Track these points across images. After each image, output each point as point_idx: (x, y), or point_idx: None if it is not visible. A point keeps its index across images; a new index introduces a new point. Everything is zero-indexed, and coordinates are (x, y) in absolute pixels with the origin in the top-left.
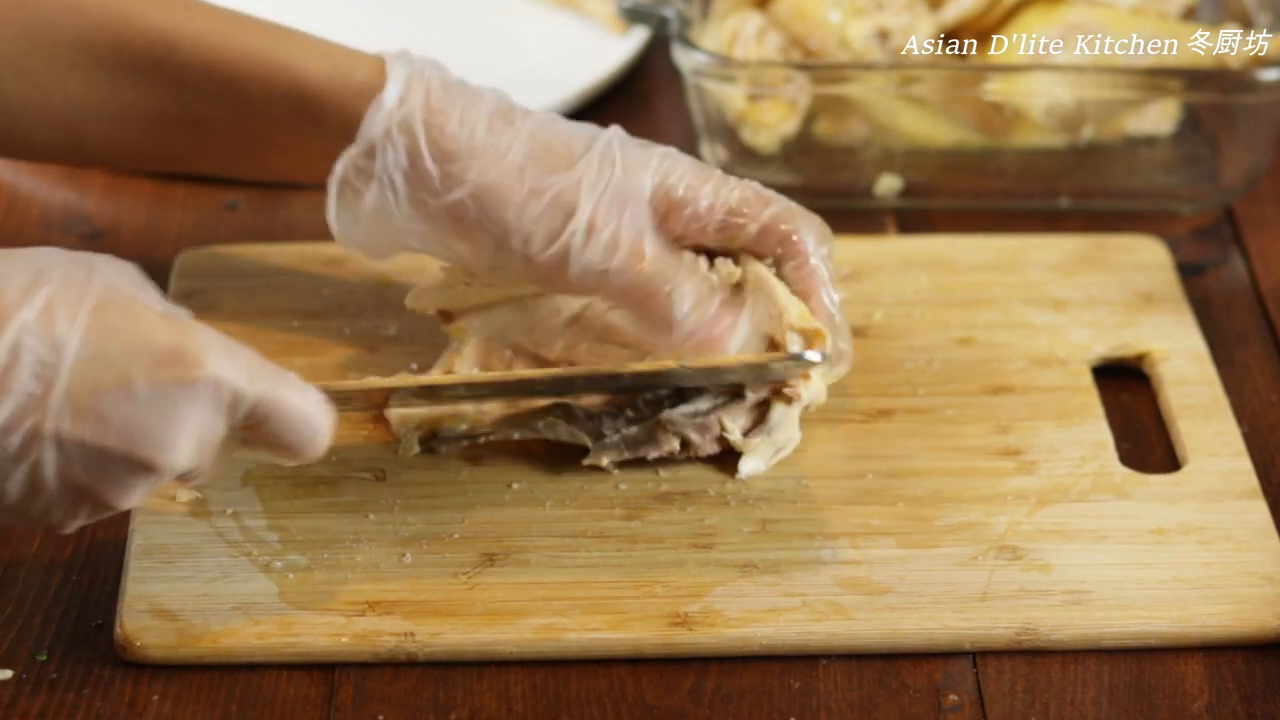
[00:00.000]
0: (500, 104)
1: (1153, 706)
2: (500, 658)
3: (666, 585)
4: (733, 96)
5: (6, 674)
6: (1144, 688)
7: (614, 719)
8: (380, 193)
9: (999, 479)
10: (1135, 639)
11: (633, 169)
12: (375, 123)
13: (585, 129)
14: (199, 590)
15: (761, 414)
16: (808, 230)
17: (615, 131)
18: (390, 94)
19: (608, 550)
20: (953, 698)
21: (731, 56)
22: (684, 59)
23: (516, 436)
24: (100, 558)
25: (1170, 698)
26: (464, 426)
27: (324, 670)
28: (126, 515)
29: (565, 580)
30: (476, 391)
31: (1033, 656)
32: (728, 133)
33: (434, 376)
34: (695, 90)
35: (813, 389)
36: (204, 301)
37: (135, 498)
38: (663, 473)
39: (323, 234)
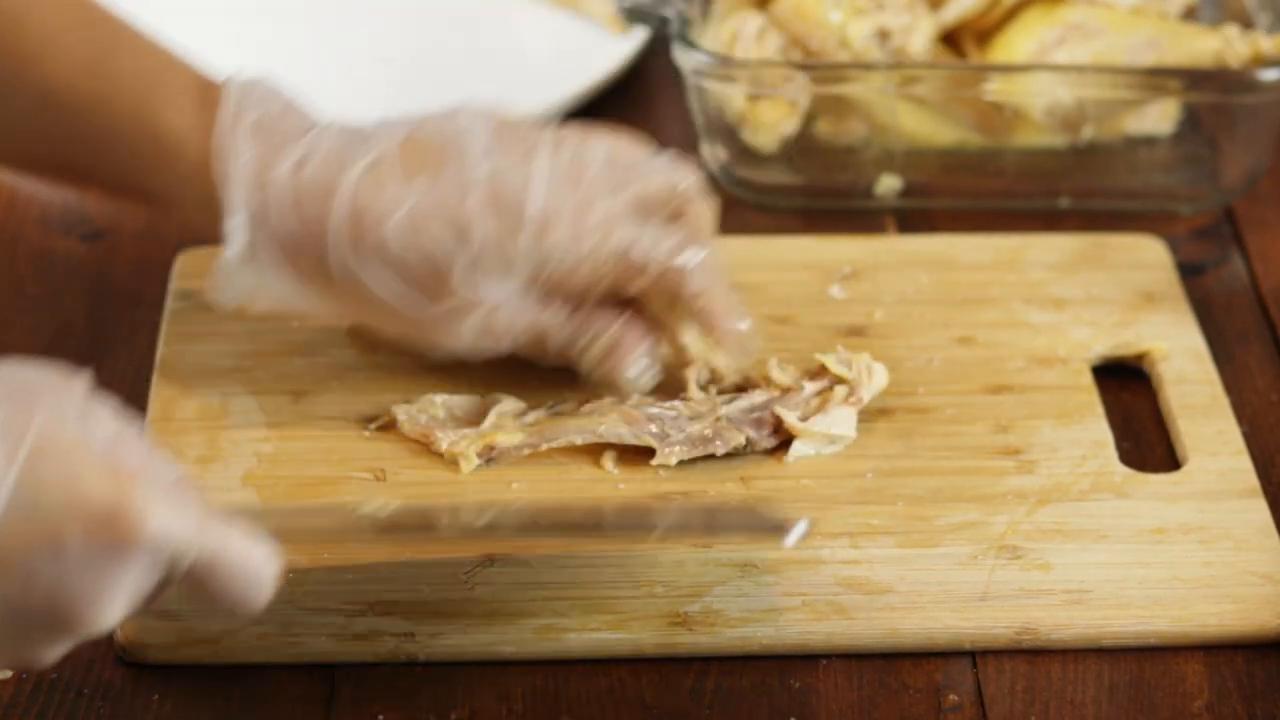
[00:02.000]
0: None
1: (1153, 706)
2: (500, 658)
3: (666, 585)
4: (733, 96)
5: (6, 674)
6: (1144, 687)
7: (614, 719)
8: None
9: (999, 478)
10: (1135, 638)
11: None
12: (237, 195)
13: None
14: None
15: (820, 404)
16: (694, 254)
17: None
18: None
19: (608, 550)
20: (953, 698)
21: (731, 56)
22: (684, 59)
23: (579, 441)
24: None
25: (1170, 697)
26: (521, 437)
27: (324, 670)
28: None
29: (565, 580)
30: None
31: (1033, 656)
32: (728, 133)
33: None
34: (695, 90)
35: (875, 384)
36: (203, 301)
37: (55, 656)
38: (662, 473)
39: None
